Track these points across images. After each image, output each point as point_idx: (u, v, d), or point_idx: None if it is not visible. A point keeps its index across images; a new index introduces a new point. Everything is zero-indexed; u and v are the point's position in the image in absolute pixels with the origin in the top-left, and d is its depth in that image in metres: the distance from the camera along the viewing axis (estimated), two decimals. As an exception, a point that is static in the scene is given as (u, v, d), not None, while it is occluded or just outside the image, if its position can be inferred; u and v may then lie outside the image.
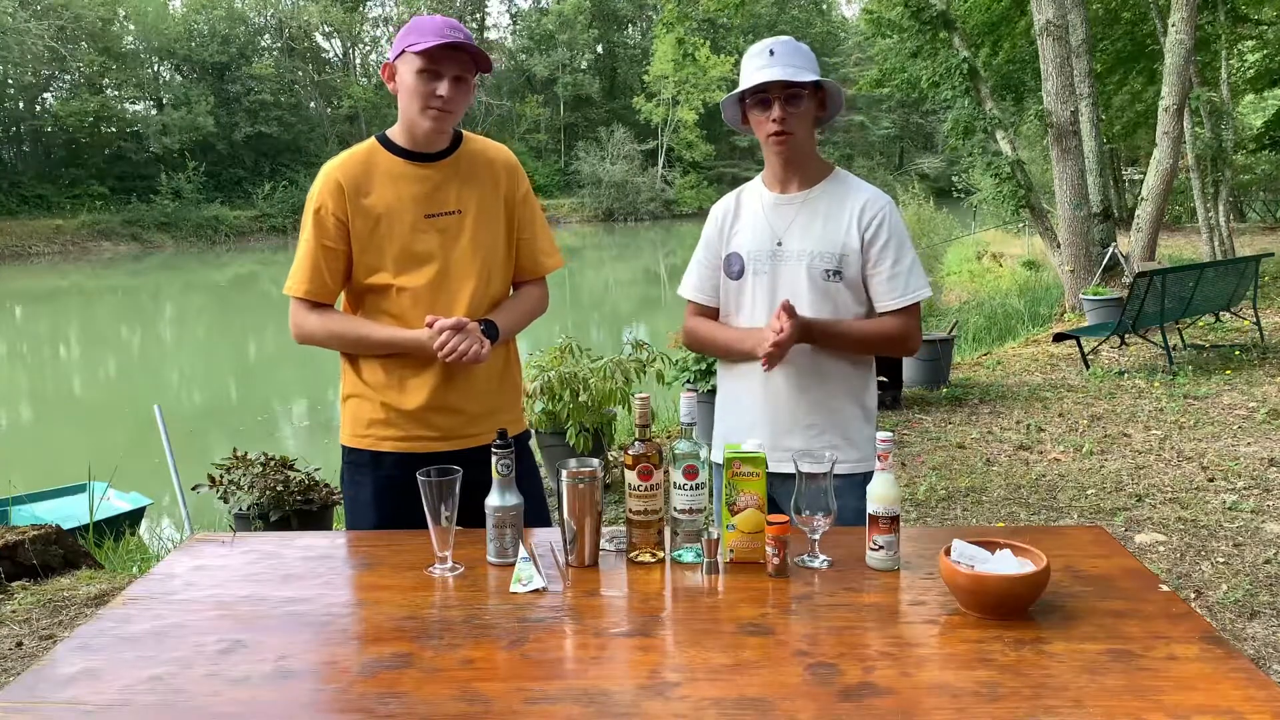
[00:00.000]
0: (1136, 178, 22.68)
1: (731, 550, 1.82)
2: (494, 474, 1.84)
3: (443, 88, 2.10)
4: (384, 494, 2.24)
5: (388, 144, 2.21)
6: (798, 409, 2.20)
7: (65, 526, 4.43)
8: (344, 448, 2.31)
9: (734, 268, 2.26)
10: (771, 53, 2.13)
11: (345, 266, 2.20)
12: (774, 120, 2.13)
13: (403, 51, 2.12)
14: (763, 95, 2.14)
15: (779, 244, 2.20)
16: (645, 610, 1.66)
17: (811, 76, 2.11)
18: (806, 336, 2.13)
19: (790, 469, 1.84)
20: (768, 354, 2.07)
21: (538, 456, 5.34)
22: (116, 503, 6.26)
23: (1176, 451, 5.57)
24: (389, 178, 2.18)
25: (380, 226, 2.16)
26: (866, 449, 2.20)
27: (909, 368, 7.23)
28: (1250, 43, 17.69)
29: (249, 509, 4.24)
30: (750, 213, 2.27)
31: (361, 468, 2.27)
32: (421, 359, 2.18)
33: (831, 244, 2.16)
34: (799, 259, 2.18)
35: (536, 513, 2.22)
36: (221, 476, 4.39)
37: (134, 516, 6.25)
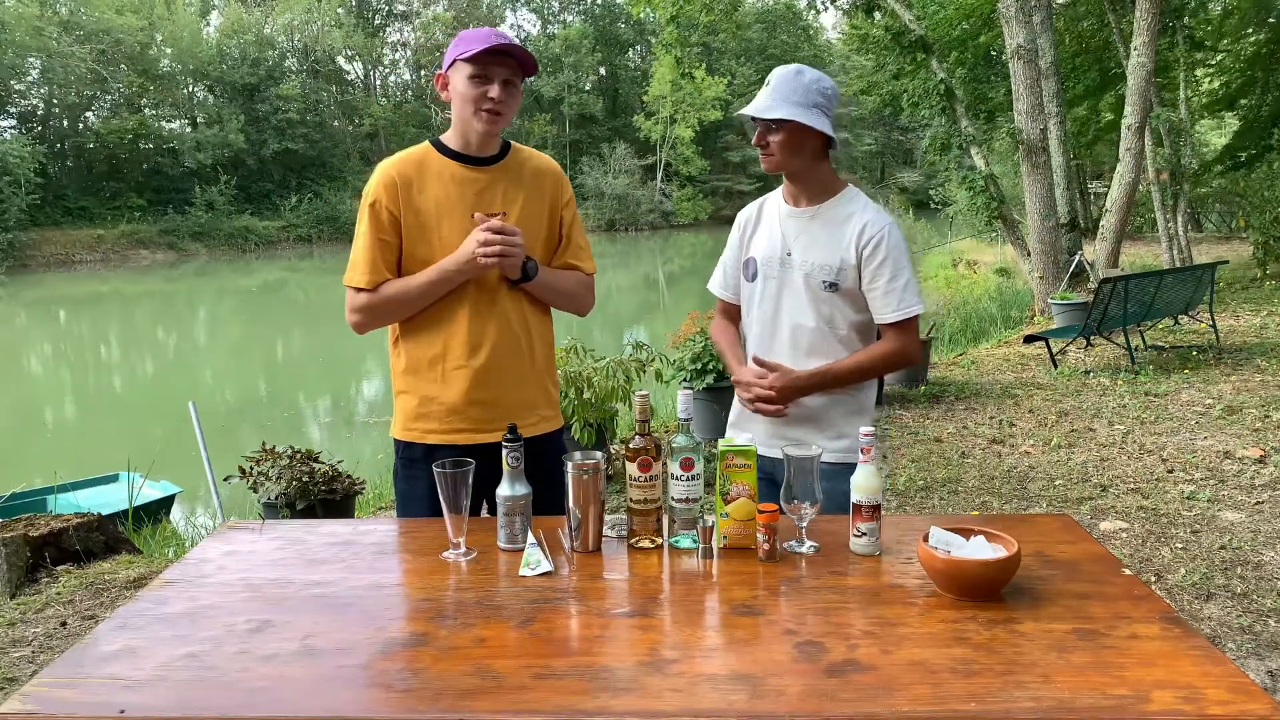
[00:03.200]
0: (1101, 191, 22.66)
1: (725, 536, 1.82)
2: (504, 465, 1.83)
3: (493, 90, 2.10)
4: (434, 488, 2.20)
5: (440, 147, 2.20)
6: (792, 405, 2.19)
7: (103, 513, 4.43)
8: (395, 441, 2.27)
9: (749, 271, 2.28)
10: (769, 83, 2.12)
11: (397, 259, 2.19)
12: (757, 144, 2.15)
13: (454, 61, 2.12)
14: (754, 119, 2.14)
15: (788, 254, 2.20)
16: (645, 592, 1.66)
17: (779, 114, 2.06)
18: (808, 388, 2.14)
19: (779, 455, 1.83)
20: (770, 411, 2.15)
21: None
22: (149, 490, 6.27)
23: (1138, 445, 5.57)
24: (440, 177, 2.17)
25: (429, 222, 2.15)
26: (856, 441, 2.19)
27: (890, 367, 7.20)
28: (1207, 69, 17.69)
29: (277, 498, 4.23)
30: (768, 222, 2.28)
31: (414, 462, 2.21)
32: (459, 351, 2.16)
33: (831, 258, 2.15)
34: (801, 269, 2.18)
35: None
36: (251, 468, 4.39)
37: (166, 503, 6.26)
